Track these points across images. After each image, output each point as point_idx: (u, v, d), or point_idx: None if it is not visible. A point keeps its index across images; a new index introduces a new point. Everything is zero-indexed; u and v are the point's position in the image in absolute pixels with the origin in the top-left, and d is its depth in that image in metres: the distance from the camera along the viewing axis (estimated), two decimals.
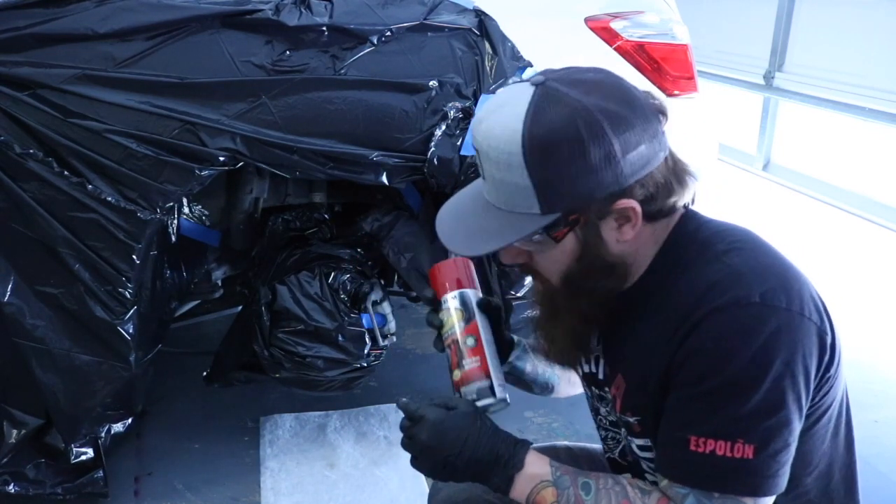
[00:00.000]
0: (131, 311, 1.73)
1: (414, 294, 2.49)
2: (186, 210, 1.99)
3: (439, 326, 1.13)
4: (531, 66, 1.90)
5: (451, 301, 1.10)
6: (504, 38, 1.92)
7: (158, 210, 1.68)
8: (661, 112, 0.94)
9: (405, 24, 1.84)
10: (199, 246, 2.08)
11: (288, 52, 1.74)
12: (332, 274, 2.03)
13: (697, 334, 0.89)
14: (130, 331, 1.74)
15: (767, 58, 4.70)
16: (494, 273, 1.92)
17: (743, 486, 0.88)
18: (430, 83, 1.80)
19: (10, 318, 1.69)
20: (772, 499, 0.91)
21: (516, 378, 1.24)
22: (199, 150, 1.66)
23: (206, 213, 2.04)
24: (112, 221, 1.66)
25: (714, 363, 0.88)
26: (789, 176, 4.69)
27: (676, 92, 2.22)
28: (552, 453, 1.30)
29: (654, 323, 0.96)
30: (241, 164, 1.73)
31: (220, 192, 2.04)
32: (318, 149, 1.72)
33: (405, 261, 2.10)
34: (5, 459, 1.83)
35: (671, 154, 0.95)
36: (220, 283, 2.32)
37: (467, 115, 1.81)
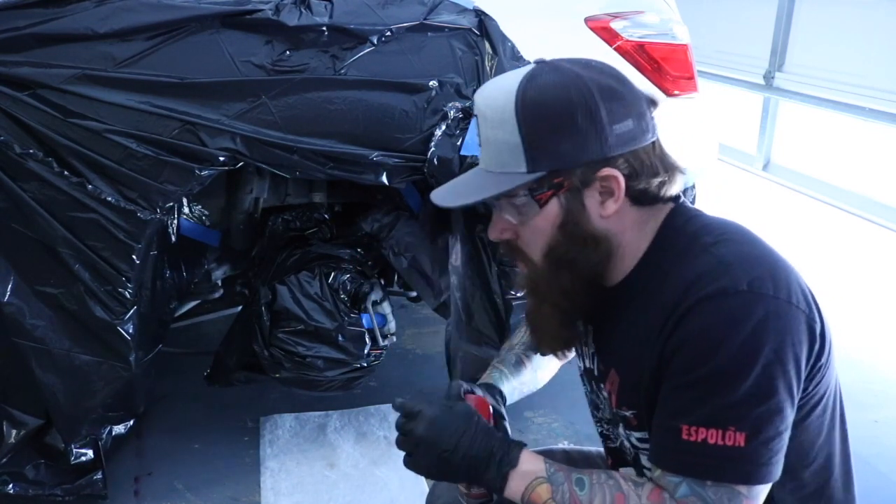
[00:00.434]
0: (131, 311, 1.73)
1: (414, 294, 2.49)
2: (186, 210, 1.99)
3: None
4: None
5: None
6: (504, 38, 1.92)
7: (158, 210, 1.68)
8: (650, 100, 0.97)
9: (405, 24, 1.84)
10: (199, 246, 2.08)
11: (288, 52, 1.74)
12: (332, 274, 2.03)
13: (686, 325, 0.90)
14: (130, 331, 1.74)
15: (767, 58, 4.71)
16: (494, 273, 1.92)
17: (735, 473, 0.88)
18: (430, 83, 1.80)
19: (10, 318, 1.69)
20: (766, 488, 0.91)
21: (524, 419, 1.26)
22: (199, 150, 1.66)
23: (206, 213, 2.04)
24: (112, 221, 1.66)
25: (703, 352, 0.89)
26: (789, 176, 4.69)
27: (676, 92, 2.22)
28: (548, 456, 1.30)
29: (645, 316, 0.97)
30: (241, 164, 1.72)
31: (220, 192, 2.04)
32: (318, 149, 1.72)
33: (406, 261, 2.10)
34: (5, 459, 1.83)
35: (659, 143, 0.98)
36: (220, 283, 2.33)
37: (467, 115, 1.81)
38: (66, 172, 1.63)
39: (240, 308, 2.25)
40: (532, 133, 0.94)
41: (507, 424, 1.16)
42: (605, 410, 1.11)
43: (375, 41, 1.80)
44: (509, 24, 1.95)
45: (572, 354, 1.22)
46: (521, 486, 0.99)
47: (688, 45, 2.26)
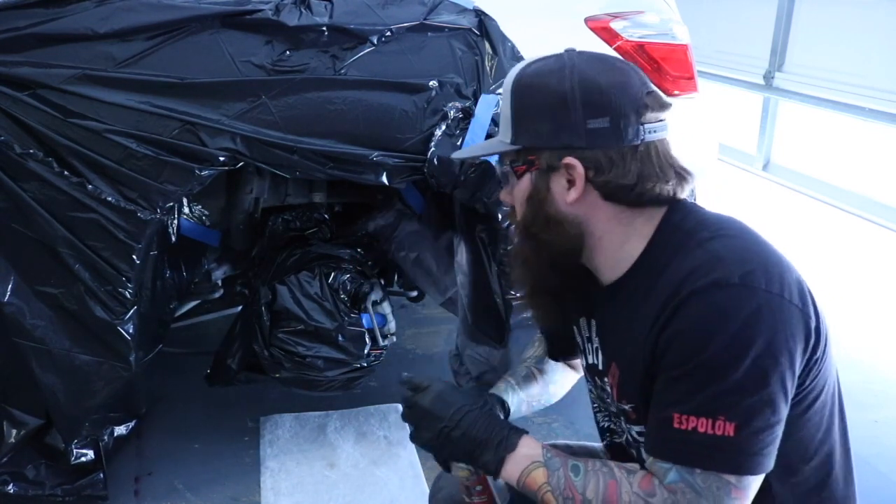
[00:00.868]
0: (131, 311, 1.73)
1: (414, 294, 2.50)
2: (186, 210, 1.99)
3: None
4: None
5: (458, 464, 1.14)
6: (504, 38, 1.92)
7: (158, 210, 1.68)
8: (646, 109, 0.99)
9: (405, 24, 1.84)
10: (199, 246, 2.08)
11: (288, 52, 1.74)
12: (332, 274, 2.03)
13: (679, 317, 0.92)
14: (130, 331, 1.74)
15: (767, 58, 4.71)
16: (494, 273, 1.92)
17: (724, 462, 0.89)
18: (430, 83, 1.80)
19: (10, 318, 1.69)
20: (756, 479, 0.91)
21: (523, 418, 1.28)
22: (199, 150, 1.66)
23: (206, 213, 2.05)
24: (112, 221, 1.66)
25: (695, 344, 0.90)
26: (789, 176, 4.69)
27: (676, 92, 2.22)
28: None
29: (641, 310, 0.98)
30: (241, 164, 1.72)
31: (220, 192, 2.04)
32: (318, 149, 1.72)
33: (411, 258, 2.11)
34: (5, 459, 1.83)
35: (659, 149, 1.00)
36: (220, 283, 2.33)
37: (467, 115, 1.80)
38: (66, 172, 1.63)
39: (240, 308, 2.25)
40: (519, 109, 1.03)
41: None
42: (612, 404, 1.12)
43: (375, 41, 1.80)
44: (509, 24, 1.95)
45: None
46: (517, 469, 1.02)
47: (688, 45, 2.26)
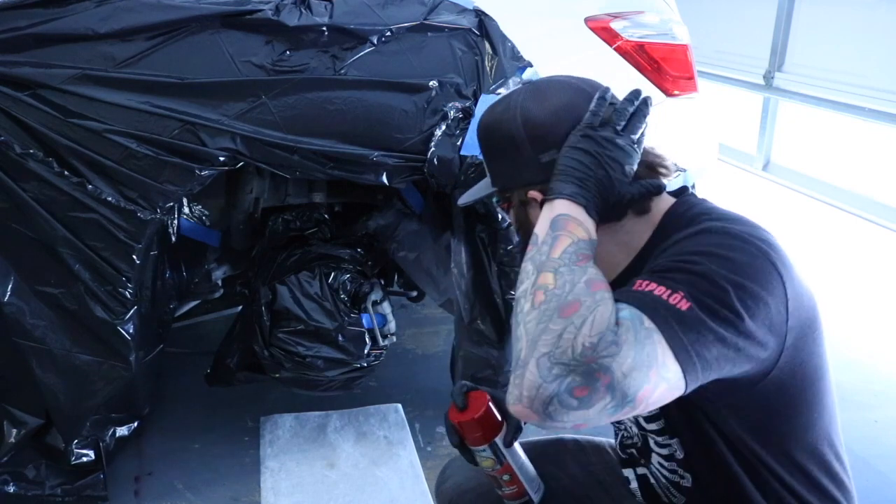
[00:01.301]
0: (131, 311, 1.73)
1: (414, 294, 2.49)
2: (186, 210, 1.99)
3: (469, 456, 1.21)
4: (531, 66, 1.90)
5: (482, 453, 1.17)
6: (504, 38, 1.92)
7: (158, 210, 1.68)
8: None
9: (405, 24, 1.84)
10: (199, 246, 2.08)
11: (288, 52, 1.74)
12: (332, 274, 2.03)
13: (665, 255, 0.94)
14: (130, 331, 1.74)
15: (767, 58, 4.70)
16: (494, 273, 1.92)
17: (665, 322, 0.84)
18: (430, 83, 1.80)
19: (10, 318, 1.69)
20: (675, 381, 0.85)
21: None
22: (199, 150, 1.66)
23: (206, 213, 2.05)
24: (112, 221, 1.66)
25: (675, 256, 0.92)
26: (789, 176, 4.69)
27: (676, 92, 2.22)
28: (559, 446, 1.32)
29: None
30: (241, 164, 1.73)
31: (220, 192, 2.04)
32: (319, 149, 1.72)
33: (410, 259, 2.11)
34: (5, 459, 1.83)
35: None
36: (220, 283, 2.33)
37: (467, 115, 1.81)
38: (66, 172, 1.63)
39: (240, 308, 2.25)
40: (485, 154, 1.12)
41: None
42: None
43: (375, 41, 1.80)
44: (509, 24, 1.95)
45: None
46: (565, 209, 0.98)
47: (688, 45, 2.26)
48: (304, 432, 2.24)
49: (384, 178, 1.78)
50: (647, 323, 0.85)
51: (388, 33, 1.82)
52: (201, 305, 2.41)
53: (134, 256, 1.69)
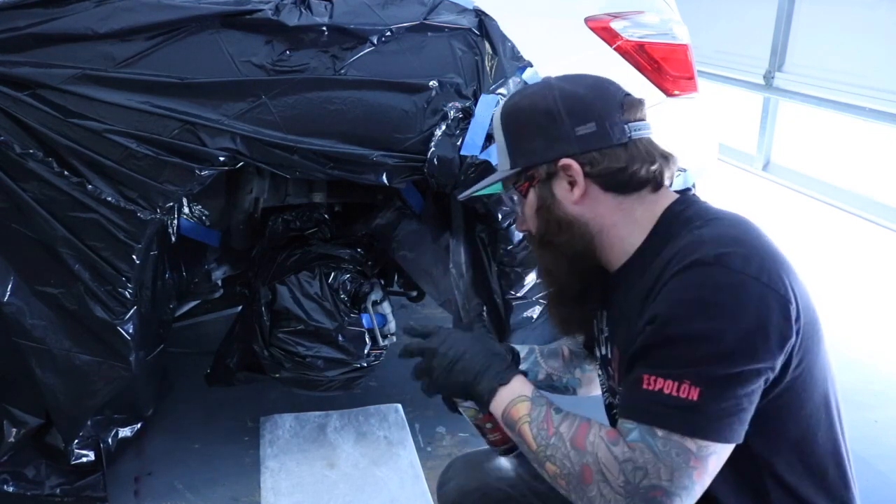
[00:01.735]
0: (131, 311, 1.73)
1: (414, 294, 2.49)
2: (186, 210, 1.99)
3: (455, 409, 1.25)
4: (531, 66, 1.90)
5: (464, 403, 1.20)
6: (504, 38, 1.92)
7: (158, 210, 1.68)
8: (631, 105, 1.08)
9: (405, 24, 1.84)
10: (199, 246, 2.08)
11: (288, 52, 1.74)
12: (332, 274, 2.03)
13: (660, 299, 0.95)
14: (130, 331, 1.74)
15: (767, 58, 4.71)
16: (494, 273, 1.93)
17: (682, 424, 0.90)
18: (430, 83, 1.80)
19: (10, 318, 1.69)
20: (717, 453, 0.91)
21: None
22: (199, 150, 1.66)
23: (206, 213, 2.04)
24: (112, 221, 1.66)
25: (671, 317, 0.93)
26: (789, 176, 4.69)
27: (676, 92, 2.22)
28: None
29: (633, 294, 1.03)
30: (241, 164, 1.72)
31: (220, 192, 2.04)
32: (319, 149, 1.72)
33: (410, 259, 2.10)
34: (5, 459, 1.83)
35: (641, 140, 1.08)
36: (220, 283, 2.33)
37: (467, 115, 1.81)
38: (66, 172, 1.63)
39: (240, 308, 2.25)
40: (512, 134, 1.12)
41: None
42: (617, 389, 1.14)
43: (375, 41, 1.80)
44: (509, 24, 1.95)
45: None
46: (505, 400, 1.07)
47: (688, 45, 2.26)
48: (304, 432, 2.24)
49: (384, 178, 1.78)
50: (660, 432, 0.91)
51: (388, 33, 1.82)
52: (201, 305, 2.41)
53: (134, 256, 1.69)
